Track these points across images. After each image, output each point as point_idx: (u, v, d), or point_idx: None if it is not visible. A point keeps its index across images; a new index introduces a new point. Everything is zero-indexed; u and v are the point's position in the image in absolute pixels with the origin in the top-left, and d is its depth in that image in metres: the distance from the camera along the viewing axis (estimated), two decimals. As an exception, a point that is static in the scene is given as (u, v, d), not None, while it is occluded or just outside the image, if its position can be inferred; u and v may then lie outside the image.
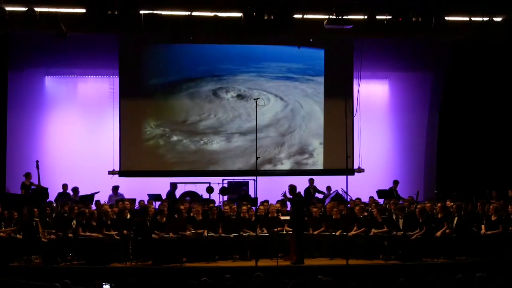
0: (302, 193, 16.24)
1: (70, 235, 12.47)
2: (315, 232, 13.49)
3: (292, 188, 12.83)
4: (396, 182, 17.01)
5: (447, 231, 12.76)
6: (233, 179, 17.36)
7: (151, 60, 17.58)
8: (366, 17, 14.91)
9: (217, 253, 12.96)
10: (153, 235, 12.52)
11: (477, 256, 12.66)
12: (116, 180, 16.95)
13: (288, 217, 13.49)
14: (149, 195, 15.75)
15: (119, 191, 16.47)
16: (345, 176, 13.14)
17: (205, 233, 13.00)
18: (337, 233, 13.31)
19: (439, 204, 13.41)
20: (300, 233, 12.63)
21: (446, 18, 15.05)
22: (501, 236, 12.71)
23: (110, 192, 16.45)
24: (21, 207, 13.12)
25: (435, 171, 18.43)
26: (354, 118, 16.84)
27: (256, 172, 13.07)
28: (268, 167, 17.73)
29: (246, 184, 17.22)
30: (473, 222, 13.29)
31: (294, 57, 17.86)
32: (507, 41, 16.21)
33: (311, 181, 17.06)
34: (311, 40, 16.85)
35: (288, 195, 12.76)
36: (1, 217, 12.75)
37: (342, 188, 15.45)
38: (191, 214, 13.59)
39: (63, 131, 17.73)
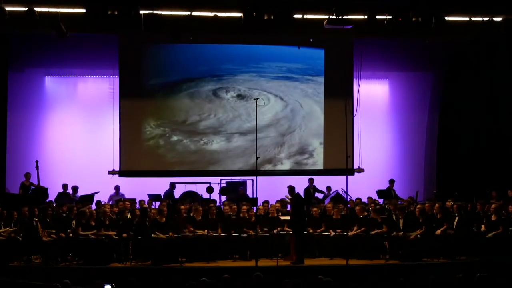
0: (302, 193, 16.30)
1: (70, 235, 12.49)
2: (315, 232, 13.49)
3: (291, 188, 12.86)
4: (392, 181, 17.00)
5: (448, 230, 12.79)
6: (231, 179, 17.36)
7: (151, 60, 17.58)
8: (366, 17, 14.91)
9: (217, 253, 12.95)
10: (152, 235, 12.53)
11: (477, 256, 12.65)
12: (116, 180, 16.96)
13: (288, 217, 13.49)
14: (149, 195, 15.76)
15: (120, 191, 16.49)
16: (345, 176, 13.15)
17: (205, 233, 13.01)
18: (337, 233, 13.32)
19: (436, 205, 13.41)
20: (300, 233, 12.64)
21: (446, 18, 15.06)
22: (501, 236, 12.71)
23: (112, 192, 16.46)
24: (20, 207, 13.11)
25: (435, 171, 18.43)
26: (354, 118, 16.82)
27: (256, 172, 13.08)
28: (268, 167, 17.72)
29: (243, 183, 17.21)
30: (473, 222, 13.28)
31: (294, 57, 17.85)
32: (507, 41, 16.22)
33: (311, 180, 17.06)
34: (311, 40, 16.85)
35: (287, 196, 12.82)
36: (1, 217, 12.75)
37: (342, 188, 15.47)
38: (191, 214, 13.60)
39: (63, 131, 17.73)
